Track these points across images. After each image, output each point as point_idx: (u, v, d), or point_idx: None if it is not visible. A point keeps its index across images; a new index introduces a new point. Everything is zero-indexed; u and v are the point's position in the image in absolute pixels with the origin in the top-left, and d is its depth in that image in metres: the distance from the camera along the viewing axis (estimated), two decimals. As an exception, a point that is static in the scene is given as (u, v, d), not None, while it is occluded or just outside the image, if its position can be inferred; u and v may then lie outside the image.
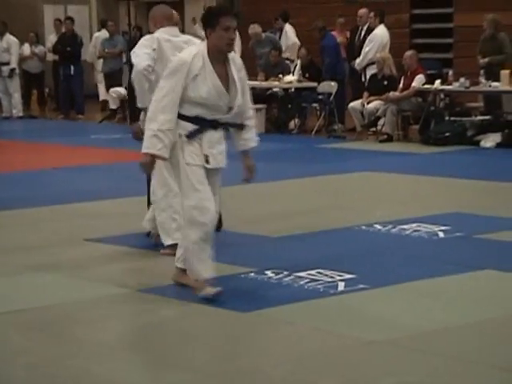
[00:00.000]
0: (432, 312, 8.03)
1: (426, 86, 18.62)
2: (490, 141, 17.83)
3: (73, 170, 16.56)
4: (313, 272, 9.23)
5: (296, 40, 21.46)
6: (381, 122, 19.12)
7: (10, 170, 15.86)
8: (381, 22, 20.31)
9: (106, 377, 6.66)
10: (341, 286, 8.79)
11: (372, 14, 20.40)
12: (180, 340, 7.57)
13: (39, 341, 7.48)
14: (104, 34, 26.19)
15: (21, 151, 19.27)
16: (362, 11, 20.75)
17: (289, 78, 20.18)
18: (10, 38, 24.48)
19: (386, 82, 19.08)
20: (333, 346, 7.28)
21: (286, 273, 9.28)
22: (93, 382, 6.59)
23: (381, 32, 20.07)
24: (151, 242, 10.64)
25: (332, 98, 19.77)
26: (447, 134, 17.98)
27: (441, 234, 11.08)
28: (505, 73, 18.00)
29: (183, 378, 6.62)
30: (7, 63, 24.50)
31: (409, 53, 19.26)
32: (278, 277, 9.21)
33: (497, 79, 18.20)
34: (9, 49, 24.38)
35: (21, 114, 24.69)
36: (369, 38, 20.00)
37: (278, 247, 10.67)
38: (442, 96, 19.10)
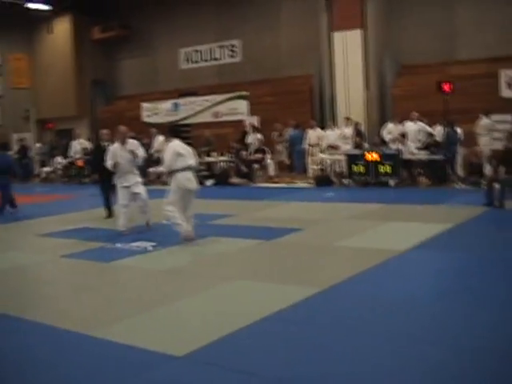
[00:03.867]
0: (175, 257, 9.12)
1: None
2: (209, 182, 19.76)
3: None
4: (137, 243, 10.13)
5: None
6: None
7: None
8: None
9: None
10: (149, 248, 9.76)
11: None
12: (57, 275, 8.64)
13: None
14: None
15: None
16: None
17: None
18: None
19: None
20: (146, 273, 8.32)
21: (124, 243, 10.19)
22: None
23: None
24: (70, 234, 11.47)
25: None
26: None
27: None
28: (213, 153, 20.80)
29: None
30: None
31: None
32: (122, 246, 10.08)
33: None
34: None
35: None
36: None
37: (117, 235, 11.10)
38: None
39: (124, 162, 11.33)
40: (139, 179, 11.64)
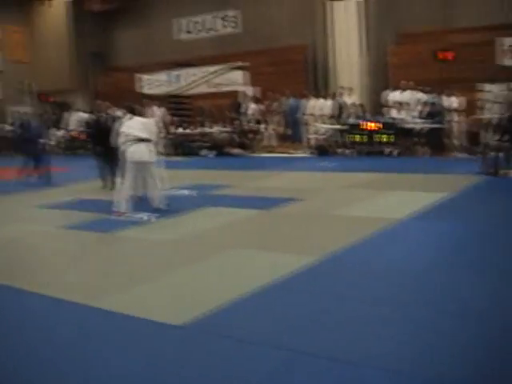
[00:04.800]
0: (175, 228, 9.15)
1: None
2: (209, 154, 19.71)
3: None
4: (139, 214, 9.96)
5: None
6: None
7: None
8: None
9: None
10: (151, 218, 9.73)
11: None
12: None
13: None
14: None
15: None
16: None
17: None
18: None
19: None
20: (147, 244, 8.49)
21: (130, 214, 10.00)
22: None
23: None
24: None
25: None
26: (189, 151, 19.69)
27: (194, 194, 11.92)
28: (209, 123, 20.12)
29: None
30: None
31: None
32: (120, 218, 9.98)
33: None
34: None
35: None
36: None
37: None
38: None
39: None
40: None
